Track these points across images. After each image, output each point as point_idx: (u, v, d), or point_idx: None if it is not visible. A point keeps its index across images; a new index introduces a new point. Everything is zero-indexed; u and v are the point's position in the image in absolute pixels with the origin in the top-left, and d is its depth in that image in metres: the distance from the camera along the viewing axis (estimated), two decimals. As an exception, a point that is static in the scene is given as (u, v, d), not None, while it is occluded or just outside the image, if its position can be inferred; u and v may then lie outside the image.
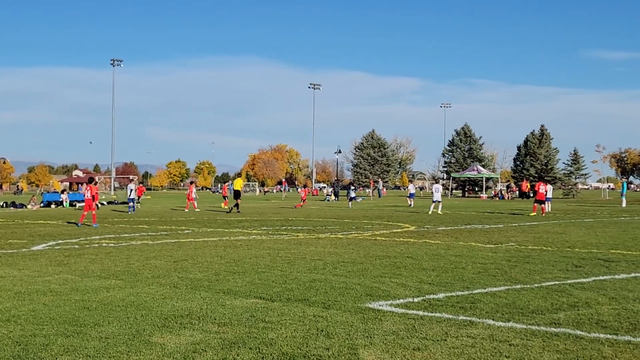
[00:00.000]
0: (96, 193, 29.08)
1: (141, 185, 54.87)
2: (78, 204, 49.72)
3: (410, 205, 51.79)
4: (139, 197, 47.82)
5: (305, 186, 67.64)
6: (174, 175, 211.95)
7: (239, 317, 8.86)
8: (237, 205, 39.38)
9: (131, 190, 42.29)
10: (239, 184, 41.51)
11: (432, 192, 42.41)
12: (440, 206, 39.76)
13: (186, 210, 43.03)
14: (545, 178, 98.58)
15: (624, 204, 51.31)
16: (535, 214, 36.51)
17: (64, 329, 8.17)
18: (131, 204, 41.77)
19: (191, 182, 40.18)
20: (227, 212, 39.31)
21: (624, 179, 62.39)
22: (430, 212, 38.37)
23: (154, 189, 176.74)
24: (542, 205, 38.46)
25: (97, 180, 37.46)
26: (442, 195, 41.77)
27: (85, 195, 28.71)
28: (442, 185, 47.16)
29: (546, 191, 39.37)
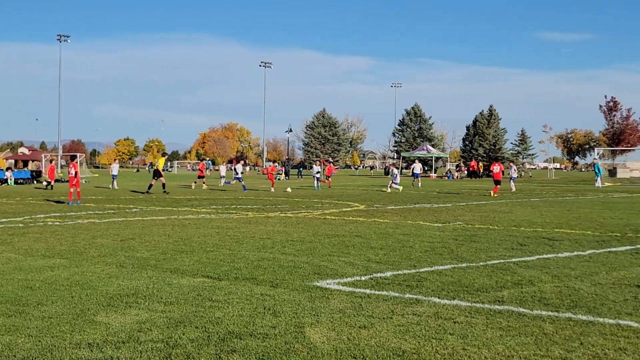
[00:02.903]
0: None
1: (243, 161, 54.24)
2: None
3: (418, 185, 49.11)
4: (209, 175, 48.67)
5: (329, 162, 65.76)
6: (123, 153, 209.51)
7: (186, 296, 8.82)
8: (152, 186, 37.97)
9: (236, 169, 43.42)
10: (162, 163, 40.11)
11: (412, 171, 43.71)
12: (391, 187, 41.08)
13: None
14: (494, 158, 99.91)
15: (598, 184, 51.46)
16: (496, 195, 35.62)
17: (6, 308, 8.04)
18: (233, 182, 43.23)
19: (51, 161, 31.37)
20: (147, 193, 37.42)
21: (595, 160, 62.10)
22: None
23: (102, 167, 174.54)
24: (498, 185, 37.00)
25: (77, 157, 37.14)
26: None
27: (70, 173, 28.31)
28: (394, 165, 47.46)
29: (502, 171, 38.38)
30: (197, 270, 10.77)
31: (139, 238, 15.13)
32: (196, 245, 13.96)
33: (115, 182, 44.94)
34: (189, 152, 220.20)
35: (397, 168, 46.16)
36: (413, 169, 50.40)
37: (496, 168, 37.83)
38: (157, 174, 38.55)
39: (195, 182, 47.51)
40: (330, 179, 50.88)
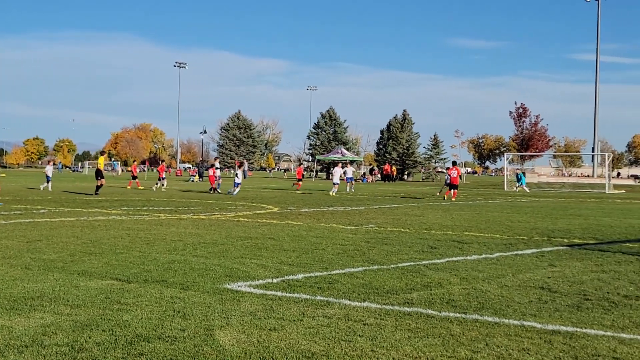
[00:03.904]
0: None
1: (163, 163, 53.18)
2: None
3: (352, 190, 47.55)
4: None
5: (300, 164, 66.79)
6: (32, 152, 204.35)
7: (93, 298, 8.64)
8: (98, 187, 36.61)
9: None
10: (102, 162, 38.89)
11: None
12: (335, 189, 42.12)
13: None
14: (407, 162, 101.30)
15: (526, 189, 53.25)
16: (447, 197, 36.33)
17: None
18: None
19: None
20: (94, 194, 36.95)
21: (518, 170, 64.29)
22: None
23: (9, 167, 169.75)
24: (455, 190, 36.95)
25: None
26: (308, 177, 42.89)
27: None
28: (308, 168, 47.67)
29: (460, 175, 38.13)
30: (105, 273, 10.56)
31: (46, 239, 14.75)
32: (105, 247, 13.69)
33: (49, 184, 43.24)
34: (102, 151, 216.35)
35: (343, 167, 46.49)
36: (345, 173, 49.48)
37: (454, 172, 37.11)
38: (99, 174, 37.21)
39: (156, 185, 47.23)
40: (300, 182, 51.11)
